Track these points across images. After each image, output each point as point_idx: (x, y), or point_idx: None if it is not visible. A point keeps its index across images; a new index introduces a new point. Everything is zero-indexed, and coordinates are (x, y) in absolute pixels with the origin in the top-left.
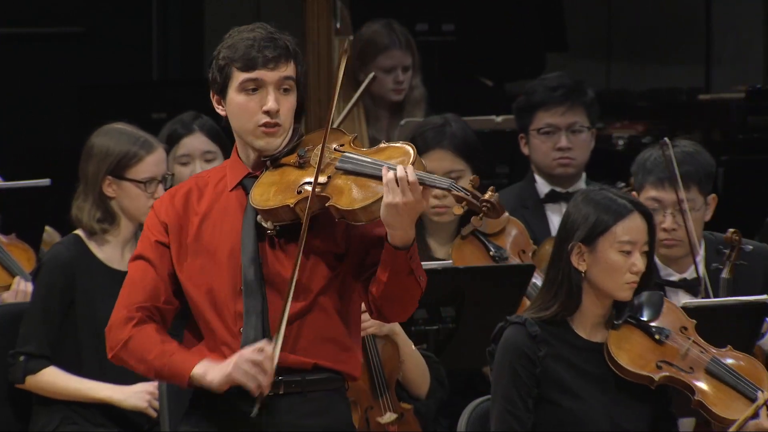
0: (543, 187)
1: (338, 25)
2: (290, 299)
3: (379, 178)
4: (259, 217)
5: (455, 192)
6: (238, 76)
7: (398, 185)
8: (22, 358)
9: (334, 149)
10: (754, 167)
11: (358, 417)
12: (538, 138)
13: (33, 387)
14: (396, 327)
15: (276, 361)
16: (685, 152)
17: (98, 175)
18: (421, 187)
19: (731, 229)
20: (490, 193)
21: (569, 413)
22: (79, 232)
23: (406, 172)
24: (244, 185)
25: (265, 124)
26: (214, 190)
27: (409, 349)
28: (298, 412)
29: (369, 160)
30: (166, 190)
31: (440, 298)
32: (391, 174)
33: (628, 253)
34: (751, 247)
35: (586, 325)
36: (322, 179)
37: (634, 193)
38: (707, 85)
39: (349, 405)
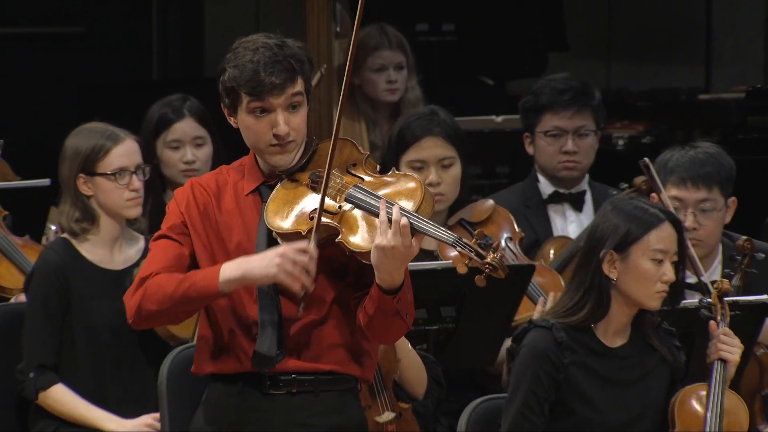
0: (546, 187)
1: (338, 29)
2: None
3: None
4: (274, 233)
5: (459, 249)
6: (246, 100)
7: (389, 227)
8: (32, 374)
9: (347, 171)
10: (754, 167)
11: None
12: (545, 140)
13: (43, 403)
14: None
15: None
16: (707, 153)
17: (72, 175)
18: (412, 233)
19: (744, 237)
20: (493, 254)
21: (586, 422)
22: (66, 235)
23: (400, 215)
24: (261, 192)
25: (277, 145)
26: (233, 190)
27: (405, 347)
28: (310, 410)
29: (377, 197)
30: (143, 181)
31: (440, 298)
32: (383, 215)
33: (660, 262)
34: (763, 255)
35: (608, 333)
36: (333, 207)
37: (654, 195)
38: (707, 85)
39: (360, 405)
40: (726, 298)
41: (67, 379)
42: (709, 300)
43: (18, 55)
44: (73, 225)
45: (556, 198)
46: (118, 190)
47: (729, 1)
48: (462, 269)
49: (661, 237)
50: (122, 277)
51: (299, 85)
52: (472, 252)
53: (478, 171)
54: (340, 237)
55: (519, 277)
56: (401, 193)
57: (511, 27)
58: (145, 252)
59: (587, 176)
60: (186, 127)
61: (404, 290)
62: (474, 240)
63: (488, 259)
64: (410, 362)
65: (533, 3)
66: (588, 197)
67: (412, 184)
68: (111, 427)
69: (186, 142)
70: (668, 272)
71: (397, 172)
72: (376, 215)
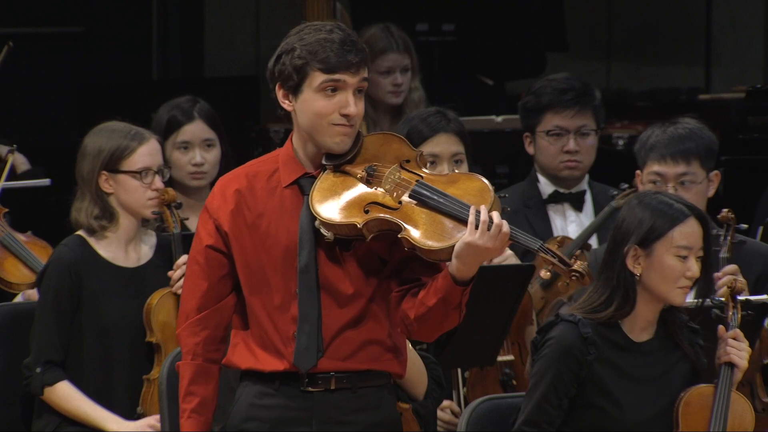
0: (546, 187)
1: None
2: None
3: (458, 219)
4: (317, 222)
5: (543, 254)
6: (318, 77)
7: (488, 230)
8: (38, 369)
9: (401, 167)
10: (754, 167)
11: None
12: (546, 140)
13: (48, 399)
14: None
15: None
16: (688, 128)
17: (93, 172)
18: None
19: (725, 209)
20: (579, 262)
21: (608, 419)
22: (81, 232)
23: (502, 222)
24: (301, 184)
25: (342, 125)
26: (267, 184)
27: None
28: (348, 407)
29: (449, 197)
30: (163, 182)
31: None
32: (484, 217)
33: (684, 258)
34: (746, 225)
35: (635, 328)
36: (392, 202)
37: (638, 172)
38: (707, 85)
39: (396, 401)
40: (739, 298)
41: (72, 376)
42: (721, 299)
43: (18, 55)
44: (92, 221)
45: (556, 198)
46: (141, 188)
47: (729, 1)
48: (545, 275)
49: (686, 233)
50: (135, 275)
51: (366, 73)
52: (555, 258)
53: (478, 171)
54: (403, 233)
55: (519, 277)
56: (469, 193)
57: (511, 27)
58: (158, 248)
59: (587, 176)
60: (195, 129)
61: (471, 285)
62: (556, 245)
63: (574, 267)
64: (411, 362)
65: (533, 3)
66: (588, 197)
67: (478, 184)
68: (113, 427)
69: (195, 144)
70: (693, 268)
71: (456, 172)
72: (444, 213)
